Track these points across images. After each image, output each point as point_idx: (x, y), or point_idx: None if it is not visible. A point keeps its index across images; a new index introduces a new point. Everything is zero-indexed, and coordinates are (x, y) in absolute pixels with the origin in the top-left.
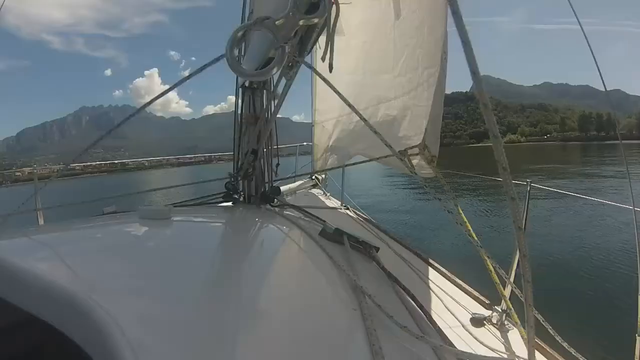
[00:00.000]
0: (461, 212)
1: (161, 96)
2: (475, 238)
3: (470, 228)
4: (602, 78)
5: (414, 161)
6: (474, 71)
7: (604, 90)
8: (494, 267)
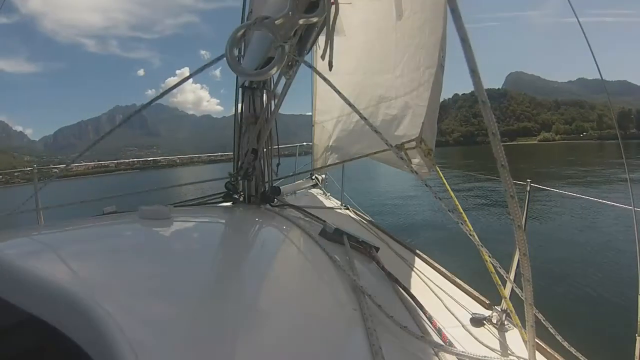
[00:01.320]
0: (462, 211)
1: (160, 97)
2: (476, 237)
3: (470, 227)
4: None
5: (415, 160)
6: (473, 69)
7: None
8: (494, 267)
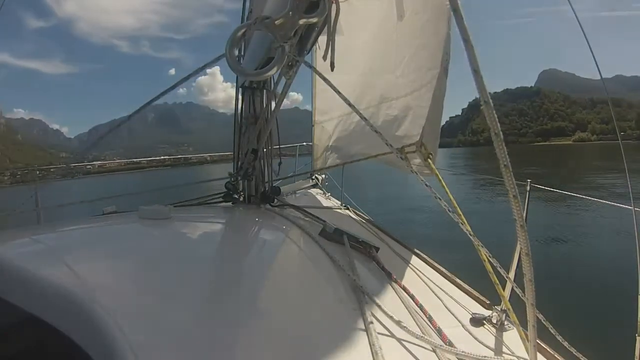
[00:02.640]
0: (461, 212)
1: (159, 97)
2: (476, 238)
3: (469, 228)
4: None
5: (416, 160)
6: (475, 69)
7: None
8: (494, 267)
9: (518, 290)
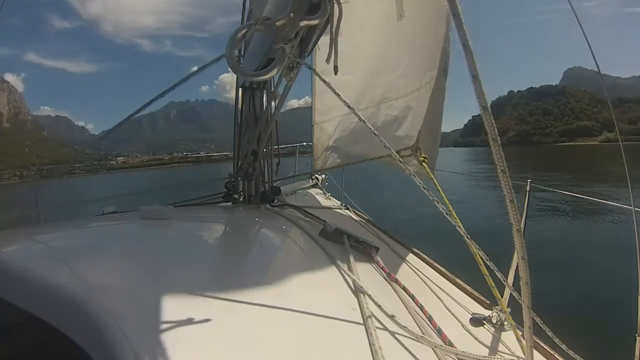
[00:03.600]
0: (455, 216)
1: (159, 98)
2: (472, 240)
3: (465, 232)
4: None
5: (415, 162)
6: (474, 74)
7: None
8: (491, 270)
9: (515, 294)
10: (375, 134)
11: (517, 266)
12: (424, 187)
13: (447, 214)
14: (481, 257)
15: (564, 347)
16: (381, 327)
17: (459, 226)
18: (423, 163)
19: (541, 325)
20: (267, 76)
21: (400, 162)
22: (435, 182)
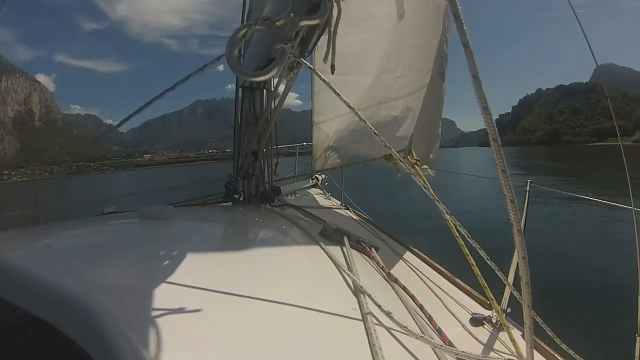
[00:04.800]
0: (448, 218)
1: (157, 99)
2: (472, 240)
3: (465, 232)
4: None
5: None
6: (474, 75)
7: None
8: (491, 270)
9: (516, 293)
10: (375, 134)
11: (517, 266)
12: (424, 187)
13: (448, 214)
14: (482, 257)
15: (564, 347)
16: (381, 326)
17: (458, 226)
18: (415, 166)
19: (541, 325)
20: (267, 76)
21: (401, 161)
22: (429, 185)
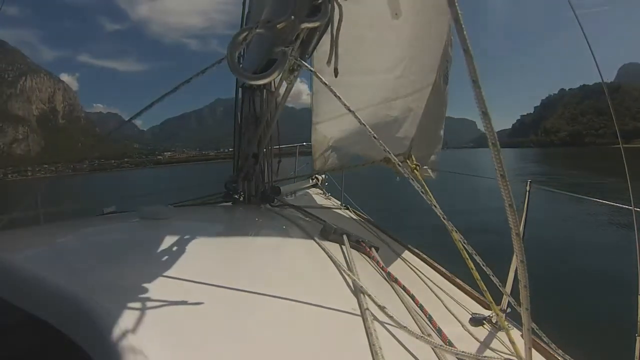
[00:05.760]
0: (445, 222)
1: (158, 101)
2: (469, 245)
3: (461, 238)
4: None
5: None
6: (474, 79)
7: None
8: (490, 272)
9: (511, 299)
10: (374, 138)
11: (516, 269)
12: (421, 192)
13: (445, 219)
14: (479, 261)
15: (562, 347)
16: (381, 327)
17: (455, 231)
18: (414, 170)
19: (538, 330)
20: (268, 79)
21: (399, 165)
22: (427, 189)
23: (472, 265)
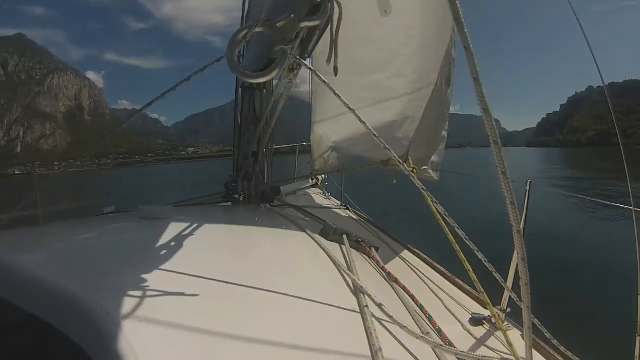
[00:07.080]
0: (443, 223)
1: (161, 97)
2: (470, 242)
3: (463, 234)
4: None
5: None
6: (475, 77)
7: None
8: (491, 270)
9: (514, 295)
10: (375, 136)
11: (516, 267)
12: (423, 189)
13: (446, 216)
14: (481, 258)
15: (563, 347)
16: (381, 327)
17: (457, 228)
18: (412, 173)
19: (540, 326)
20: (268, 78)
21: (400, 164)
22: (425, 192)
23: (472, 265)
